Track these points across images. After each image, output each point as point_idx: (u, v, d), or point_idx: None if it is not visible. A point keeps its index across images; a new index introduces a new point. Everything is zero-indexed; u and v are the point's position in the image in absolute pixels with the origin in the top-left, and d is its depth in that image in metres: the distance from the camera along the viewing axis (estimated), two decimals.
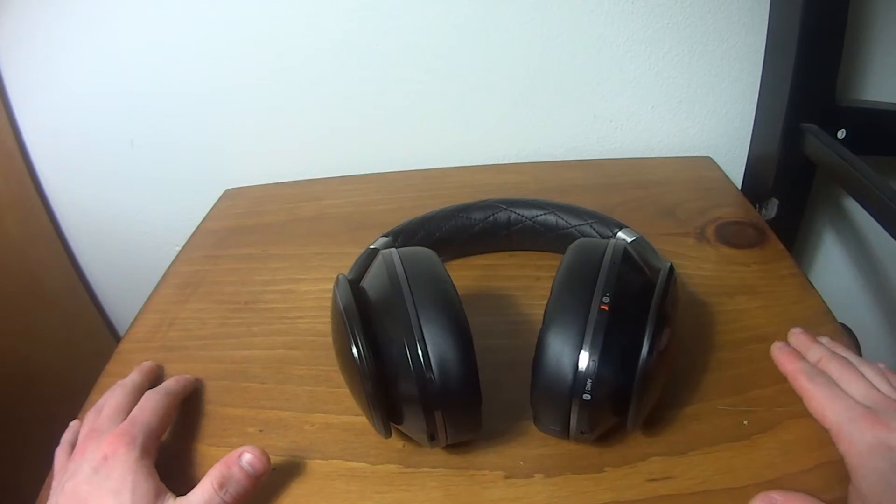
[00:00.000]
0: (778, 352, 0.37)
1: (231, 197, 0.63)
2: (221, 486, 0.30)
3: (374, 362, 0.29)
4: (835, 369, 0.34)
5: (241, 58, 0.60)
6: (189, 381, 0.39)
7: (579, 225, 0.44)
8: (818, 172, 0.59)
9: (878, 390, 0.32)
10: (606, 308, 0.29)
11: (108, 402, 0.35)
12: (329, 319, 0.33)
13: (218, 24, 0.59)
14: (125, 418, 0.33)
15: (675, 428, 0.34)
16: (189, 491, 0.30)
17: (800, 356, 0.37)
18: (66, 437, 0.36)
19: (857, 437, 0.30)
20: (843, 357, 0.35)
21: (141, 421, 0.33)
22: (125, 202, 0.69)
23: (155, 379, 0.40)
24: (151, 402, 0.35)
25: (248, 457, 0.31)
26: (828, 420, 0.32)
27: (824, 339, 0.38)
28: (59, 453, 0.35)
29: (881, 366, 0.35)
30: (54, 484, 0.32)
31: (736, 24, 0.58)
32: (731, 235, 0.50)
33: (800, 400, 0.35)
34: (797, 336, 0.38)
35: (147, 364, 0.40)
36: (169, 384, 0.37)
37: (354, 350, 0.29)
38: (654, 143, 0.65)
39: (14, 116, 0.63)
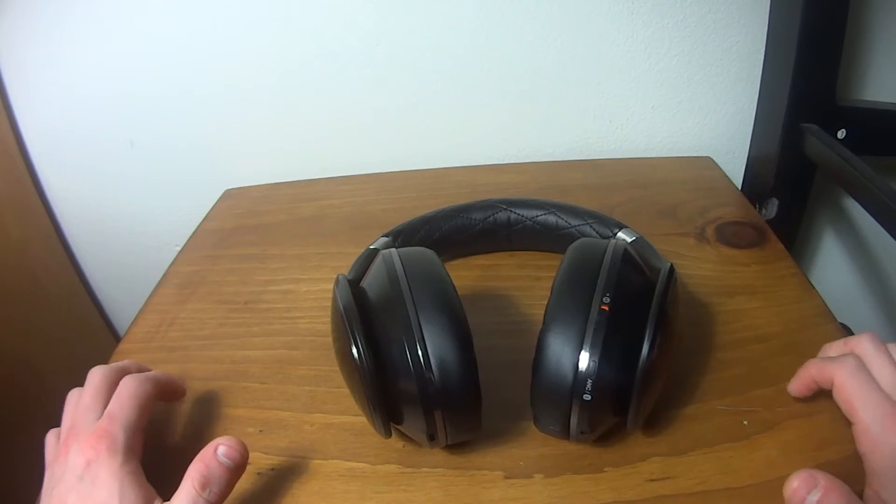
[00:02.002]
0: (795, 382, 0.35)
1: (231, 197, 0.63)
2: (204, 486, 0.28)
3: (374, 362, 0.29)
4: (868, 345, 0.32)
5: (241, 58, 0.60)
6: (175, 380, 0.37)
7: (579, 225, 0.44)
8: (818, 172, 0.59)
9: None
10: (607, 308, 0.29)
11: (86, 387, 0.33)
12: (329, 319, 0.33)
13: (218, 25, 0.59)
14: (104, 408, 0.32)
15: (675, 428, 0.34)
16: None
17: (814, 359, 0.34)
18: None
19: (884, 442, 0.29)
20: (871, 333, 0.33)
21: (119, 416, 0.31)
22: (125, 202, 0.69)
23: (139, 370, 0.37)
24: (129, 389, 0.32)
25: (223, 449, 0.29)
26: (857, 414, 0.30)
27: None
28: (50, 439, 0.34)
29: None
30: (45, 484, 0.31)
31: (736, 24, 0.58)
32: (731, 235, 0.50)
33: (799, 400, 0.35)
34: (812, 366, 0.34)
35: (134, 362, 0.38)
36: (151, 374, 0.35)
37: (354, 350, 0.29)
38: (654, 143, 0.65)
39: (14, 116, 0.63)
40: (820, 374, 0.33)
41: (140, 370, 0.37)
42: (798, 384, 0.35)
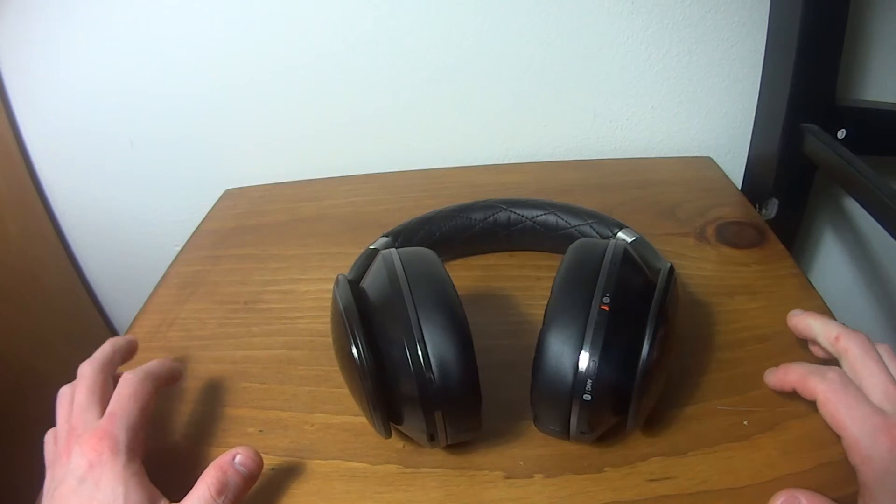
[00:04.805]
0: (773, 377, 0.35)
1: (231, 197, 0.63)
2: (220, 492, 0.29)
3: (374, 362, 0.29)
4: (855, 349, 0.31)
5: (241, 58, 0.60)
6: (174, 367, 0.36)
7: (579, 225, 0.44)
8: (818, 172, 0.59)
9: None
10: (607, 308, 0.29)
11: (78, 385, 0.33)
12: (329, 319, 0.33)
13: (218, 24, 0.59)
14: (100, 407, 0.31)
15: (675, 428, 0.34)
16: (186, 493, 0.29)
17: (797, 364, 0.34)
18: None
19: (875, 454, 0.28)
20: (861, 335, 0.32)
21: (121, 416, 0.31)
22: (125, 202, 0.69)
23: (127, 352, 0.37)
24: (129, 389, 0.32)
25: (241, 458, 0.30)
26: (845, 430, 0.30)
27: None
28: (48, 439, 0.33)
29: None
30: (45, 486, 0.31)
31: (736, 24, 0.58)
32: (731, 235, 0.50)
33: (799, 399, 0.35)
34: (798, 318, 0.36)
35: (118, 339, 0.37)
36: (151, 366, 0.35)
37: (354, 350, 0.29)
38: (654, 143, 0.65)
39: (14, 116, 0.63)
40: (802, 386, 0.33)
41: (128, 351, 0.37)
42: (775, 381, 0.35)
